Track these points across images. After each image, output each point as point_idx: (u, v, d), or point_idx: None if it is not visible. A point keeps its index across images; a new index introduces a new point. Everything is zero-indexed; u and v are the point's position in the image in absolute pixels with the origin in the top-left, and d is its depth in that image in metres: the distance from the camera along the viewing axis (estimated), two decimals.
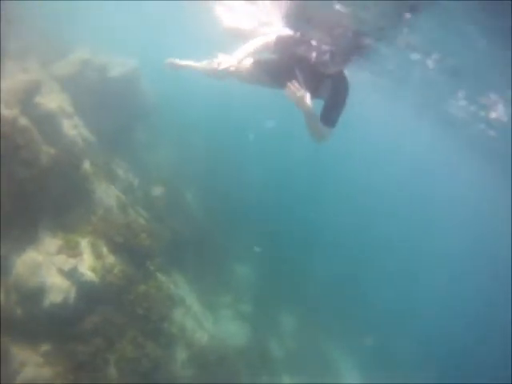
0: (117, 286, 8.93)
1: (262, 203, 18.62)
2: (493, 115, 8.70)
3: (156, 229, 11.60)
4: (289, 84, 4.32)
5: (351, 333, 15.18)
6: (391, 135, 28.09)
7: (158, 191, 13.20)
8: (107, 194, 10.31)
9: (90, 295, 8.36)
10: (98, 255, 8.86)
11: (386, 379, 13.93)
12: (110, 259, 9.06)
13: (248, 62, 5.41)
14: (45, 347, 7.62)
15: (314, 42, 4.87)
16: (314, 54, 4.63)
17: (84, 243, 8.82)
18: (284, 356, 13.52)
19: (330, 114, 4.68)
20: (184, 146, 16.37)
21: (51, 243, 8.31)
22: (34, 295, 7.58)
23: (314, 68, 4.61)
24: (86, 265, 8.49)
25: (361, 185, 28.64)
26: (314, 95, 4.77)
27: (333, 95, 4.65)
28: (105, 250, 9.13)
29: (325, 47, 4.54)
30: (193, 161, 15.76)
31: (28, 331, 7.53)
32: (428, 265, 25.17)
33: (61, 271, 7.99)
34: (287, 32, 5.59)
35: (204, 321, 11.79)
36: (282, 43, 5.04)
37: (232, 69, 5.13)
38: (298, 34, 5.33)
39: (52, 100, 9.31)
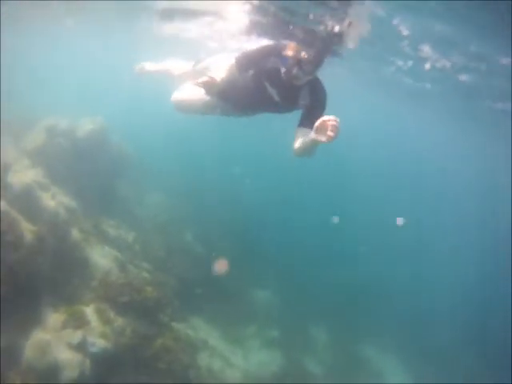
0: (132, 346, 8.65)
1: (265, 225, 18.43)
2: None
3: (161, 278, 11.39)
4: (330, 122, 3.49)
5: (385, 332, 14.79)
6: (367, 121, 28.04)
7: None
8: (103, 257, 10.12)
9: (106, 362, 8.09)
10: (105, 320, 8.60)
11: (432, 371, 13.55)
12: (119, 321, 8.79)
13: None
14: None
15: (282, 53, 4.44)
16: (282, 69, 4.31)
17: (89, 311, 8.58)
18: (323, 371, 13.10)
19: (315, 117, 4.03)
20: (171, 188, 16.20)
21: (55, 319, 8.08)
22: (49, 375, 7.32)
23: (287, 80, 4.31)
24: (96, 333, 8.24)
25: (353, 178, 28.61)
26: (295, 106, 4.56)
27: (313, 101, 4.38)
28: (112, 313, 8.86)
29: (290, 60, 4.22)
30: (183, 201, 15.59)
31: None
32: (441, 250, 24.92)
33: (70, 346, 7.73)
34: (245, 48, 5.24)
35: (232, 357, 11.47)
36: (245, 61, 4.60)
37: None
38: (265, 43, 5.02)
39: (25, 176, 9.18)
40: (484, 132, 17.98)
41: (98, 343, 8.10)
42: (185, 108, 5.42)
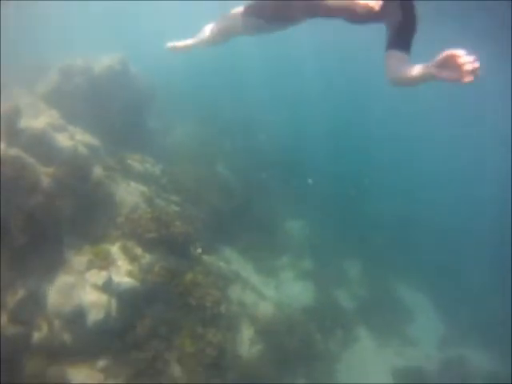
0: (161, 283, 8.56)
1: (299, 153, 17.82)
2: None
3: (191, 211, 11.17)
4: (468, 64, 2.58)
5: (419, 271, 14.42)
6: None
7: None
8: (129, 193, 9.87)
9: (134, 301, 8.10)
10: (132, 258, 8.50)
11: (464, 314, 13.18)
12: (147, 258, 8.69)
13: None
14: (102, 363, 7.48)
15: None
16: None
17: (114, 250, 8.49)
18: (355, 306, 13.02)
19: (407, 37, 3.59)
20: (199, 118, 15.68)
21: (79, 261, 8.00)
22: (75, 318, 7.38)
23: None
24: (122, 272, 8.17)
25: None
26: (378, 19, 3.67)
27: (404, 15, 3.59)
28: (139, 250, 8.75)
29: None
30: (212, 130, 15.11)
31: (81, 352, 7.41)
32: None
33: (95, 286, 7.72)
34: None
35: (265, 290, 11.42)
36: None
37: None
38: None
39: (39, 120, 8.85)
40: None
41: (125, 282, 8.05)
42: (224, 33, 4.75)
